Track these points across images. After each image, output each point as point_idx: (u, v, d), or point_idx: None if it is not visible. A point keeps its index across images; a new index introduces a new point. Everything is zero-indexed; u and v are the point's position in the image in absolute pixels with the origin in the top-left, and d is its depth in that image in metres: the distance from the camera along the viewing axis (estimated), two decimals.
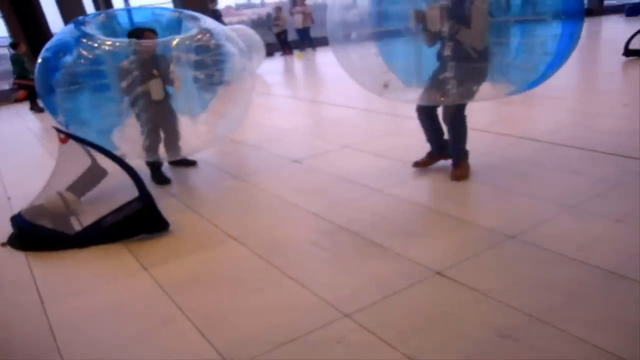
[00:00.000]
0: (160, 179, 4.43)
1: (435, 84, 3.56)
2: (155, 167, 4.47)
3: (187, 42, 4.00)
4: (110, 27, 4.27)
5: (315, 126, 6.31)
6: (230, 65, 4.32)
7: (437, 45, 3.49)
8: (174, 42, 3.96)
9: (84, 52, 3.78)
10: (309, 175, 4.27)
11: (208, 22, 4.38)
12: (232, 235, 3.19)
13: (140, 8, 5.05)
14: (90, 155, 3.89)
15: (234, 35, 4.49)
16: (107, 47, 3.83)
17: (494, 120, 5.54)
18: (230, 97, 4.44)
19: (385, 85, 3.84)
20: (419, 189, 3.72)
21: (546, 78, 3.60)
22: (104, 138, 3.96)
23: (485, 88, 3.56)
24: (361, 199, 3.60)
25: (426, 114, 3.89)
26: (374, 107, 6.84)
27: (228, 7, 15.86)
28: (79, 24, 4.02)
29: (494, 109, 6.02)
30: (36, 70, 4.06)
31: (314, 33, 15.55)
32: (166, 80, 4.01)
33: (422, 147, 4.08)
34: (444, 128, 3.91)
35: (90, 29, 3.98)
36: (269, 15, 17.10)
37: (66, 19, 13.05)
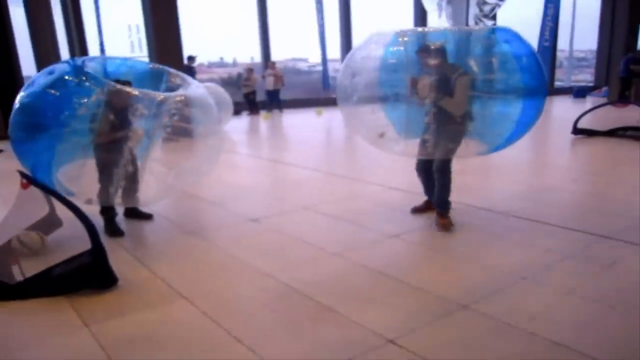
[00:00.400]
0: (114, 230, 4.31)
1: (422, 141, 4.20)
2: (109, 217, 4.37)
3: (167, 102, 4.03)
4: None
5: (276, 186, 6.32)
6: (201, 121, 4.36)
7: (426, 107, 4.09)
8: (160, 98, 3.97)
9: (82, 95, 3.76)
10: (266, 235, 4.24)
11: (189, 80, 4.45)
12: (182, 294, 3.09)
13: (115, 58, 5.04)
14: (50, 204, 3.78)
15: (209, 96, 4.52)
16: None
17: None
18: (192, 150, 4.45)
19: (381, 135, 4.46)
20: (375, 254, 3.71)
21: (510, 143, 4.27)
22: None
23: (462, 147, 4.13)
24: (317, 262, 3.57)
25: (423, 168, 4.47)
26: (336, 171, 6.94)
27: (200, 65, 16.09)
28: (73, 65, 3.98)
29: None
30: (13, 114, 3.95)
31: (283, 95, 15.88)
32: (146, 131, 4.01)
33: (381, 212, 4.12)
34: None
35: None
36: (239, 75, 17.41)
37: (40, 64, 13.02)
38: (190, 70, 13.86)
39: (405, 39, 4.14)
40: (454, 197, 4.31)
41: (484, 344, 2.43)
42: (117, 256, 3.66)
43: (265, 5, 16.59)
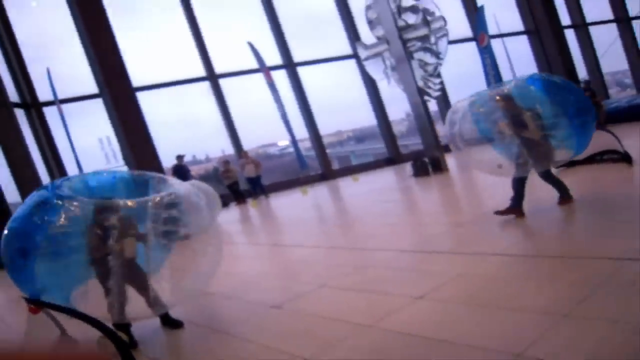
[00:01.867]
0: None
1: (519, 164, 5.84)
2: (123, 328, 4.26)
3: (159, 203, 4.06)
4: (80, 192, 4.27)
5: (284, 269, 6.27)
6: (196, 220, 4.38)
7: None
8: (150, 203, 4.01)
9: (66, 214, 3.78)
10: (293, 320, 4.16)
11: (175, 183, 4.51)
12: None
13: (96, 172, 5.10)
14: (59, 326, 3.69)
15: (198, 191, 4.59)
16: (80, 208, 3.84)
17: (456, 241, 5.72)
18: (196, 251, 4.44)
19: (500, 166, 6.14)
20: (408, 319, 3.67)
21: (585, 147, 6.09)
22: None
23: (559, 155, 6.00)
24: (353, 338, 3.51)
25: (519, 181, 5.85)
26: (338, 244, 6.94)
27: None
28: (52, 188, 4.03)
29: (453, 232, 6.24)
30: (2, 241, 3.94)
31: (263, 181, 16.04)
32: (139, 238, 4.00)
33: (396, 276, 4.11)
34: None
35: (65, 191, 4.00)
36: (215, 169, 17.61)
37: (20, 187, 13.04)
38: (182, 169, 14.08)
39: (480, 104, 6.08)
40: (463, 249, 4.33)
41: None
42: None
43: (223, 99, 17.07)
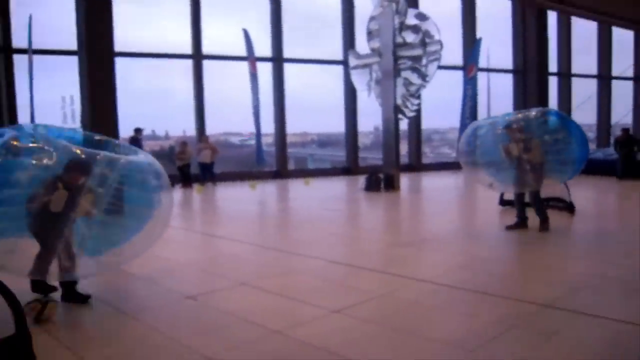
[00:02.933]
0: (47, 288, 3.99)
1: (518, 182, 6.87)
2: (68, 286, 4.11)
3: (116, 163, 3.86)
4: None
5: (211, 261, 6.09)
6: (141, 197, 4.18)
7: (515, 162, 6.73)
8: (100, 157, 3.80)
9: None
10: (205, 314, 4.01)
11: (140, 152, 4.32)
12: None
13: (57, 127, 4.80)
14: None
15: (158, 167, 4.35)
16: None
17: (389, 261, 5.69)
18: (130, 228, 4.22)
19: (491, 185, 7.39)
20: (319, 331, 3.58)
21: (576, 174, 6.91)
22: None
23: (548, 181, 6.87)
24: (261, 341, 3.40)
25: (519, 198, 7.10)
26: (273, 244, 6.82)
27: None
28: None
29: (388, 252, 6.22)
30: None
31: (217, 168, 15.75)
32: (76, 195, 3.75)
33: (319, 287, 4.03)
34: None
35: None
36: (171, 148, 17.20)
37: None
38: (137, 142, 13.72)
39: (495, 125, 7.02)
40: (393, 269, 4.30)
41: None
42: (42, 342, 3.32)
43: (201, 80, 16.75)
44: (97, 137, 4.56)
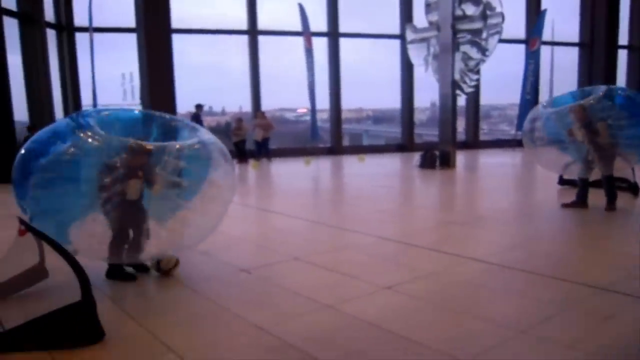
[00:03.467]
0: (126, 274, 4.31)
1: (586, 163, 6.78)
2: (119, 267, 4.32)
3: (181, 150, 4.04)
4: (108, 123, 4.17)
5: (266, 236, 6.25)
6: (213, 177, 4.33)
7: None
8: (170, 148, 3.98)
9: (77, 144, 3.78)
10: (258, 287, 4.15)
11: (204, 134, 4.44)
12: (171, 348, 2.98)
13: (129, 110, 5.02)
14: (41, 255, 3.69)
15: (224, 148, 4.49)
16: (98, 142, 3.82)
17: (441, 239, 5.66)
18: (203, 208, 4.36)
19: (567, 165, 7.16)
20: (369, 306, 3.64)
21: None
22: (62, 231, 3.79)
23: (619, 162, 6.72)
24: (311, 315, 3.48)
25: (582, 180, 6.91)
26: (326, 220, 6.90)
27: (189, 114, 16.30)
28: (77, 117, 4.00)
29: (441, 229, 6.17)
30: (17, 158, 3.96)
31: (271, 144, 15.97)
32: (148, 180, 3.96)
33: (370, 263, 4.06)
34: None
35: (89, 122, 3.94)
36: (227, 124, 17.54)
37: (31, 108, 13.04)
38: (198, 118, 14.13)
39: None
40: (444, 247, 4.29)
41: None
42: (105, 308, 3.54)
43: (257, 56, 16.89)
44: (168, 117, 4.69)
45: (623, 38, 20.76)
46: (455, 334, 3.11)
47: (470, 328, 3.20)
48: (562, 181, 8.94)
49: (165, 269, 4.40)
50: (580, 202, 6.89)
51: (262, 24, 17.02)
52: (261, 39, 17.04)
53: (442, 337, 3.08)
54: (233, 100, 19.43)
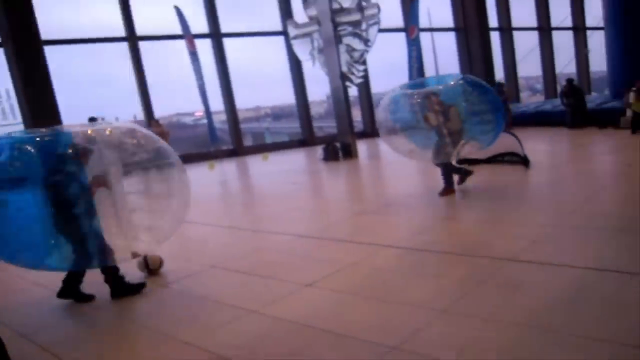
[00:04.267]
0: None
1: (439, 152, 6.68)
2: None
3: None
4: None
5: (179, 245, 6.01)
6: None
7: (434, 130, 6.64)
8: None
9: None
10: (180, 301, 4.01)
11: None
12: None
13: None
14: None
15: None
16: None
17: (354, 230, 5.77)
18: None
19: (411, 151, 7.11)
20: (292, 306, 3.63)
21: (494, 140, 6.94)
22: None
23: (466, 148, 6.69)
24: (237, 322, 3.42)
25: (444, 166, 6.79)
26: (238, 224, 6.81)
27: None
28: None
29: (352, 220, 6.30)
30: None
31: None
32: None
33: (289, 262, 4.07)
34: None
35: None
36: None
37: None
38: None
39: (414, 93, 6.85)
40: (358, 238, 4.37)
41: None
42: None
43: (140, 62, 16.25)
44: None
45: (494, 21, 22.24)
46: (382, 322, 3.19)
47: (395, 314, 3.30)
48: (459, 160, 9.39)
49: (153, 269, 4.62)
50: (449, 189, 6.84)
51: (141, 30, 16.38)
52: (143, 44, 16.40)
53: (369, 326, 3.15)
54: (125, 109, 18.60)
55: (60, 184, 3.69)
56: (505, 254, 4.16)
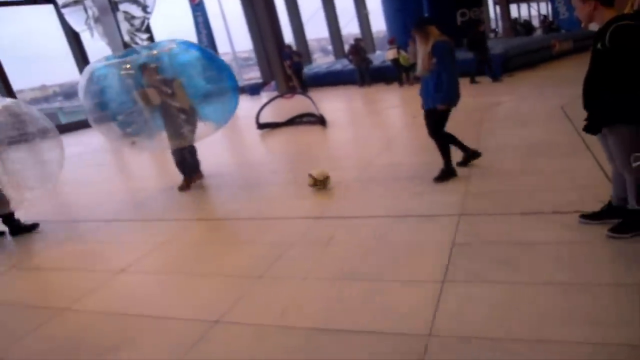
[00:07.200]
0: None
1: (173, 135, 5.50)
2: None
3: None
4: None
5: None
6: None
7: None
8: None
9: None
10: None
11: None
12: None
13: None
14: None
15: None
16: None
17: (162, 206, 5.61)
18: None
19: (133, 143, 5.79)
20: (107, 295, 3.46)
21: (227, 121, 6.03)
22: None
23: (202, 129, 5.62)
24: (46, 325, 3.16)
25: (177, 151, 5.80)
26: (37, 213, 6.15)
27: None
28: None
29: (158, 196, 6.10)
30: None
31: None
32: None
33: (98, 250, 3.86)
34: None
35: None
36: None
37: None
38: None
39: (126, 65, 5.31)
40: (170, 215, 4.28)
41: (251, 353, 2.53)
42: None
43: None
44: None
45: None
46: (201, 298, 3.21)
47: (211, 287, 3.35)
48: (260, 125, 9.56)
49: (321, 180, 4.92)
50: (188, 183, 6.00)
51: None
52: None
53: (188, 304, 3.16)
54: None
55: None
56: (311, 213, 4.43)
